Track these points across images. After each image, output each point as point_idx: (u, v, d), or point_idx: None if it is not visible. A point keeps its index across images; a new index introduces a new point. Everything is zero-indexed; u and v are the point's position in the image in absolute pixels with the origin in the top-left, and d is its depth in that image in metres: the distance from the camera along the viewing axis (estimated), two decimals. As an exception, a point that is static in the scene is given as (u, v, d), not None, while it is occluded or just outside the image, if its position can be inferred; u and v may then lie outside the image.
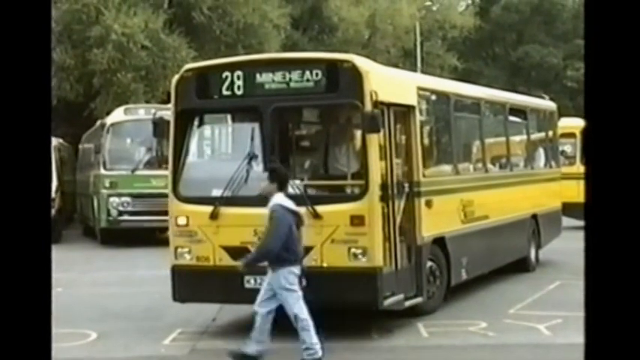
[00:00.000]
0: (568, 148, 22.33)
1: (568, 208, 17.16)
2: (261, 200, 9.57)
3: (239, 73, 9.74)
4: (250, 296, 9.84)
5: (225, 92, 9.76)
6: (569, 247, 16.60)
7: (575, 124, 22.41)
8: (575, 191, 18.93)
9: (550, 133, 16.85)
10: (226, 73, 9.77)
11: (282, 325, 10.51)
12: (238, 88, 9.73)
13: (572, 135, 21.40)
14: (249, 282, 9.48)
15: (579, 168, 21.25)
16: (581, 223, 20.47)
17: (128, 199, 20.42)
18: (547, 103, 17.14)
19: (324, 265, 9.27)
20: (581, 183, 16.00)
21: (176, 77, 10.18)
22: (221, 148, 12.18)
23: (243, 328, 10.37)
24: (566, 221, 17.62)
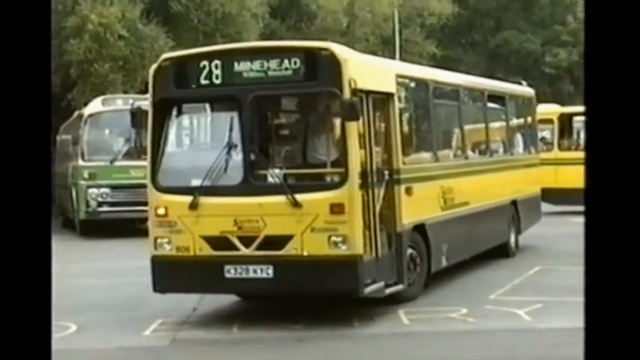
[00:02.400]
0: (546, 134, 22.44)
1: (546, 194, 17.24)
2: (241, 190, 9.57)
3: (217, 62, 9.70)
4: (231, 286, 9.86)
5: (203, 82, 9.72)
6: (548, 232, 16.74)
7: (552, 109, 22.54)
8: (553, 177, 19.07)
9: (529, 119, 16.90)
10: (204, 63, 9.73)
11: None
12: (217, 77, 9.68)
13: (549, 121, 21.49)
14: (230, 272, 9.47)
15: (557, 154, 21.37)
16: (558, 208, 20.62)
17: (107, 190, 20.33)
18: (525, 89, 17.18)
19: (305, 253, 9.26)
20: (559, 169, 16.12)
21: (154, 67, 10.12)
22: (200, 138, 12.14)
23: (224, 317, 10.38)
24: (545, 207, 17.70)
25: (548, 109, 21.73)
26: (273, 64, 9.54)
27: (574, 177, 21.28)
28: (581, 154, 21.87)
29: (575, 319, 9.32)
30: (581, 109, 24.60)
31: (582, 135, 23.06)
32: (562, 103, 27.04)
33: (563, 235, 17.46)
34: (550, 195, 17.92)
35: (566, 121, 23.03)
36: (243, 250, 9.45)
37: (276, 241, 9.37)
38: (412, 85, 11.70)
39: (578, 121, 23.30)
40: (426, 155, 11.89)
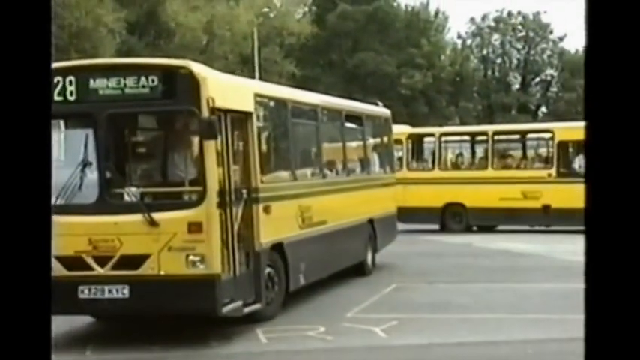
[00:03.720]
0: (397, 154, 22.98)
1: (397, 212, 17.59)
2: (97, 208, 9.37)
3: (71, 78, 9.50)
4: (85, 306, 9.62)
5: (56, 97, 9.48)
6: (401, 250, 17.10)
7: (402, 130, 23.14)
8: (402, 196, 19.56)
9: (385, 139, 17.24)
10: (58, 78, 9.50)
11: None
12: (71, 93, 9.48)
13: (399, 142, 22.04)
14: (84, 292, 9.25)
15: (405, 174, 22.00)
16: (407, 226, 21.14)
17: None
18: (382, 110, 17.53)
19: (162, 272, 9.14)
20: (407, 188, 16.45)
21: (5, 82, 9.81)
22: (53, 155, 11.81)
23: (78, 340, 10.11)
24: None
25: (398, 130, 22.26)
26: (130, 81, 9.41)
27: (421, 196, 22.03)
28: (428, 174, 22.66)
29: (428, 335, 9.60)
30: (430, 130, 25.41)
31: (436, 155, 23.70)
32: (417, 124, 27.74)
33: (415, 253, 17.91)
34: (399, 214, 18.33)
35: (416, 141, 23.74)
36: (98, 270, 9.25)
37: (133, 261, 9.23)
38: (271, 104, 11.76)
39: (429, 142, 24.00)
40: (284, 174, 11.96)
